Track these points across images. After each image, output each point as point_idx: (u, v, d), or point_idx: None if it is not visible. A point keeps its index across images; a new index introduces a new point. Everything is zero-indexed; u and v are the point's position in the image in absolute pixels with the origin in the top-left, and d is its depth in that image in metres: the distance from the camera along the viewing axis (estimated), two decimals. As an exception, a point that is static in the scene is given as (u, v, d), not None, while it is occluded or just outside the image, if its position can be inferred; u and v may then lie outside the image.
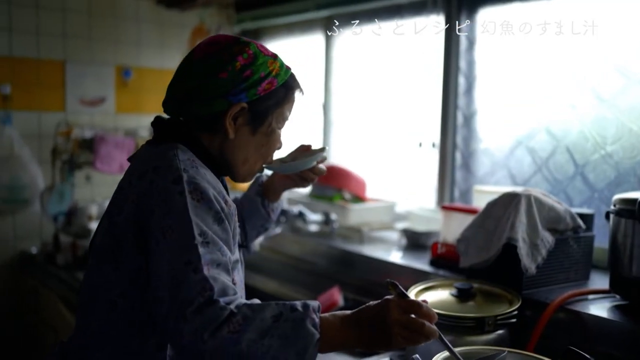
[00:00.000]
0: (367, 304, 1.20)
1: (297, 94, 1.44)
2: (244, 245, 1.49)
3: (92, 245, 1.34)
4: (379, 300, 1.19)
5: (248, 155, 1.39)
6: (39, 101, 3.27)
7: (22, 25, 3.18)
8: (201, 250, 1.14)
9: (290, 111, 1.44)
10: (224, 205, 1.24)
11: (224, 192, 1.31)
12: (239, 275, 1.39)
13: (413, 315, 1.15)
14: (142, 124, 3.51)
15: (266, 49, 1.38)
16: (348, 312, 1.20)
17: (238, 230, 1.42)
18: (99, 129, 3.24)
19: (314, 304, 1.16)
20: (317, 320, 1.13)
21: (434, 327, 1.16)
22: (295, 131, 3.56)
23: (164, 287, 1.14)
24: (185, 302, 1.10)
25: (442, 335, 1.20)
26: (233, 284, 1.21)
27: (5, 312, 3.25)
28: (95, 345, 1.27)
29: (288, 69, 1.41)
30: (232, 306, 1.11)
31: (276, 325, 1.10)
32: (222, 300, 1.10)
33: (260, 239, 2.59)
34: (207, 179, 1.26)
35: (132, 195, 1.24)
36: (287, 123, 1.45)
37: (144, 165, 1.28)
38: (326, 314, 1.18)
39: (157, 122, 1.39)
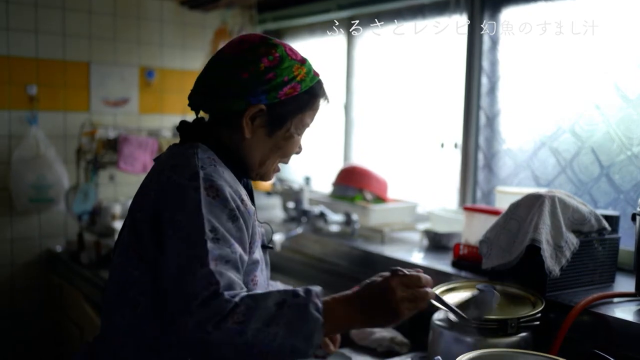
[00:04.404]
0: (367, 283, 1.24)
1: (321, 102, 1.42)
2: (270, 247, 1.49)
3: (116, 244, 1.36)
4: (380, 280, 1.22)
5: (264, 157, 1.39)
6: (64, 102, 3.32)
7: (48, 27, 3.23)
8: (209, 245, 1.15)
9: (311, 119, 1.42)
10: (239, 203, 1.25)
11: (242, 191, 1.31)
12: (263, 275, 1.39)
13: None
14: (164, 124, 3.55)
15: (295, 53, 1.38)
16: (350, 293, 1.22)
17: (261, 230, 1.43)
18: (123, 129, 3.28)
19: (316, 288, 1.18)
20: (320, 304, 1.15)
21: (432, 290, 1.25)
22: (318, 131, 3.57)
23: (171, 280, 1.16)
24: (190, 296, 1.11)
25: (438, 295, 1.30)
26: (253, 283, 1.24)
27: (31, 309, 3.31)
28: (121, 343, 1.28)
29: (316, 75, 1.40)
30: (236, 299, 1.11)
31: (280, 312, 1.12)
32: (227, 294, 1.11)
33: (282, 239, 2.60)
34: (225, 177, 1.27)
35: (151, 192, 1.27)
36: (307, 130, 1.44)
37: (164, 164, 1.31)
38: (328, 298, 1.20)
39: (181, 126, 1.41)
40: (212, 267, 1.13)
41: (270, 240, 1.51)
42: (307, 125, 1.42)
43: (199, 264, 1.14)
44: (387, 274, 1.24)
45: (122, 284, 1.29)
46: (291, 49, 1.38)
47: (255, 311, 1.11)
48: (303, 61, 1.37)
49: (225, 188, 1.23)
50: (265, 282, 1.41)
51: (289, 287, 1.20)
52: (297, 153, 1.47)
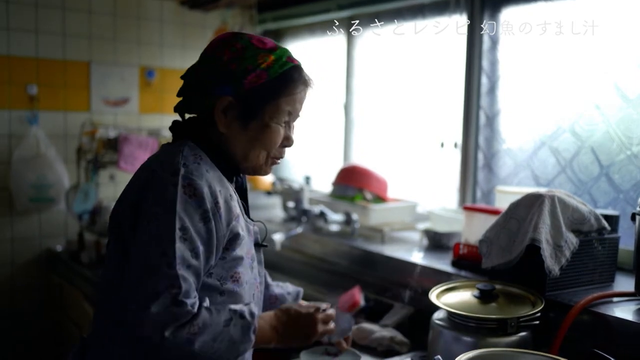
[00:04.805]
0: (291, 313, 1.43)
1: (299, 88, 1.36)
2: (264, 245, 1.48)
3: (108, 242, 1.38)
4: (305, 313, 1.43)
5: (245, 150, 1.36)
6: (64, 101, 3.32)
7: (48, 27, 3.23)
8: (178, 245, 1.19)
9: (291, 106, 1.36)
10: (213, 205, 1.25)
11: (227, 191, 1.31)
12: (252, 272, 1.39)
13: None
14: (165, 124, 3.55)
15: (263, 42, 1.34)
16: (275, 320, 1.41)
17: (254, 229, 1.43)
18: (123, 129, 3.28)
19: (255, 310, 1.30)
20: (257, 327, 1.30)
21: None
22: (318, 131, 3.57)
23: (136, 271, 1.19)
24: (152, 294, 1.15)
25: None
26: (233, 280, 1.31)
27: (31, 309, 3.31)
28: (110, 339, 1.30)
29: (290, 61, 1.35)
30: (195, 309, 1.19)
31: (226, 329, 1.24)
32: (189, 302, 1.17)
33: (282, 239, 2.60)
34: (207, 176, 1.27)
35: (135, 186, 1.30)
36: (290, 117, 1.38)
37: (151, 160, 1.34)
38: (259, 318, 1.35)
39: (173, 125, 1.42)
40: (178, 270, 1.17)
41: (265, 239, 1.50)
42: (287, 113, 1.36)
43: (166, 264, 1.17)
44: (308, 307, 1.44)
45: (111, 281, 1.31)
46: (259, 39, 1.35)
47: (209, 326, 1.20)
48: (273, 49, 1.34)
49: (203, 188, 1.24)
50: (255, 280, 1.41)
51: (237, 308, 1.28)
52: (288, 145, 1.41)
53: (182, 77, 1.40)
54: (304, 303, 1.52)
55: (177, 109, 1.41)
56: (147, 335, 1.15)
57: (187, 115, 1.43)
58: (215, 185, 1.28)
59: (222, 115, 1.33)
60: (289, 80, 1.34)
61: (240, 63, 1.31)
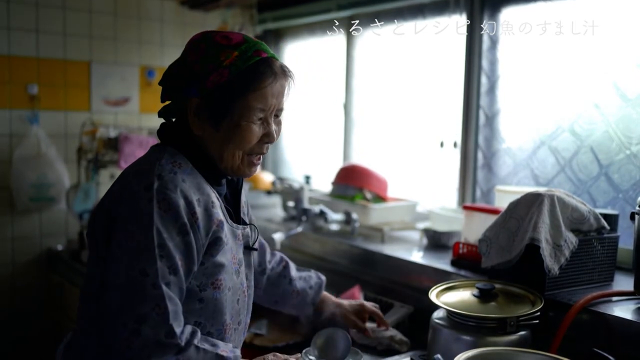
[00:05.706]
0: None
1: (267, 81, 1.30)
2: (254, 248, 1.48)
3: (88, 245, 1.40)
4: None
5: (219, 152, 1.33)
6: (65, 101, 3.33)
7: (49, 26, 3.24)
8: (159, 264, 1.18)
9: (261, 101, 1.30)
10: (190, 217, 1.24)
11: (209, 198, 1.29)
12: (237, 278, 1.39)
13: None
14: (165, 123, 3.55)
15: (229, 39, 1.30)
16: None
17: (243, 232, 1.42)
18: (124, 129, 3.29)
19: (237, 353, 1.30)
20: None
21: None
22: (318, 131, 3.58)
23: (117, 289, 1.18)
24: (140, 316, 1.15)
25: None
26: (214, 287, 1.30)
27: (31, 309, 3.31)
28: (89, 332, 1.31)
29: (255, 55, 1.29)
30: (183, 342, 1.18)
31: None
32: (177, 332, 1.17)
33: (282, 238, 2.60)
34: (183, 186, 1.25)
35: (114, 191, 1.29)
36: (265, 113, 1.32)
37: (131, 167, 1.33)
38: None
39: (160, 128, 1.41)
40: (163, 289, 1.17)
41: (255, 242, 1.48)
42: (258, 110, 1.30)
43: (150, 283, 1.17)
44: None
45: (89, 277, 1.33)
46: (225, 36, 1.31)
47: None
48: (238, 45, 1.29)
49: (178, 200, 1.22)
50: (241, 285, 1.40)
51: (225, 354, 1.27)
52: (269, 141, 1.36)
53: (159, 83, 1.39)
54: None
55: (161, 113, 1.41)
56: (132, 354, 1.15)
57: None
58: (193, 194, 1.26)
59: (194, 117, 1.32)
60: (253, 74, 1.29)
61: (202, 63, 1.28)
